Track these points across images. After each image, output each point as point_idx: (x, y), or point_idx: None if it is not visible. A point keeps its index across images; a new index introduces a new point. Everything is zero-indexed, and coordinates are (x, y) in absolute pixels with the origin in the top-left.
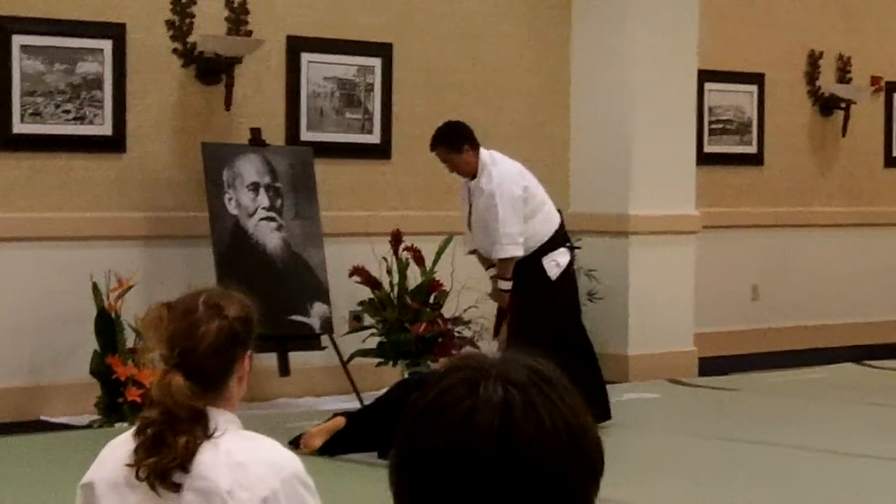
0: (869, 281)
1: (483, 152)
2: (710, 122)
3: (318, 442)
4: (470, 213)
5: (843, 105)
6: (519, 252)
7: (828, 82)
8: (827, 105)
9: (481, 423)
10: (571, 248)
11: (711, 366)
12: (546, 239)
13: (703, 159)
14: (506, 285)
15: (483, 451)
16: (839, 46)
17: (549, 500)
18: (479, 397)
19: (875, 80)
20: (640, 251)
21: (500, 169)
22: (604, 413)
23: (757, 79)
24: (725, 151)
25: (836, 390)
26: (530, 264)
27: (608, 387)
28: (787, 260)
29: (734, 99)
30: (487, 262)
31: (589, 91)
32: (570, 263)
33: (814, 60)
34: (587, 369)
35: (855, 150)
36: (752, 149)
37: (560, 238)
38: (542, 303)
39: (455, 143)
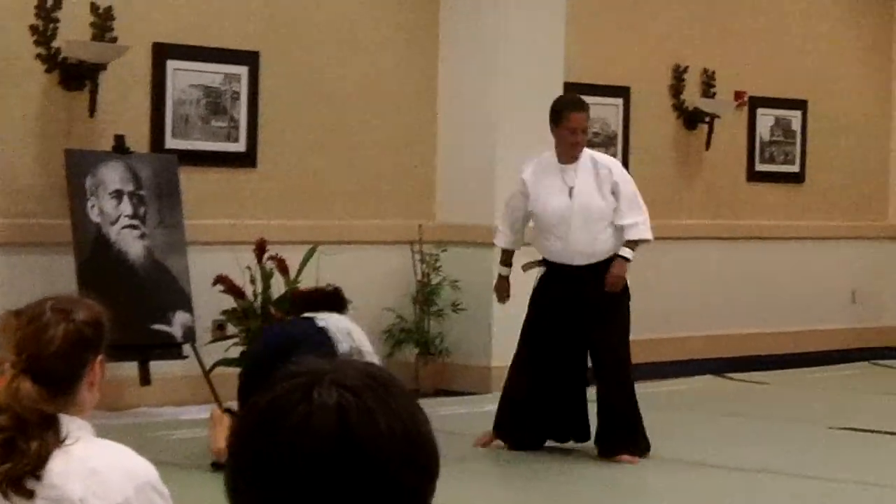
0: (730, 293)
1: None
2: None
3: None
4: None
5: (707, 119)
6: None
7: (692, 96)
8: (691, 119)
9: (317, 427)
10: None
11: None
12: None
13: None
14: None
15: (320, 455)
16: (704, 61)
17: (387, 503)
18: (314, 402)
19: (739, 95)
20: None
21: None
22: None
23: (622, 92)
24: None
25: (697, 402)
26: (604, 269)
27: (471, 398)
28: (650, 272)
29: (600, 112)
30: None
31: (456, 102)
32: None
33: (678, 74)
34: None
35: (718, 163)
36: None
37: None
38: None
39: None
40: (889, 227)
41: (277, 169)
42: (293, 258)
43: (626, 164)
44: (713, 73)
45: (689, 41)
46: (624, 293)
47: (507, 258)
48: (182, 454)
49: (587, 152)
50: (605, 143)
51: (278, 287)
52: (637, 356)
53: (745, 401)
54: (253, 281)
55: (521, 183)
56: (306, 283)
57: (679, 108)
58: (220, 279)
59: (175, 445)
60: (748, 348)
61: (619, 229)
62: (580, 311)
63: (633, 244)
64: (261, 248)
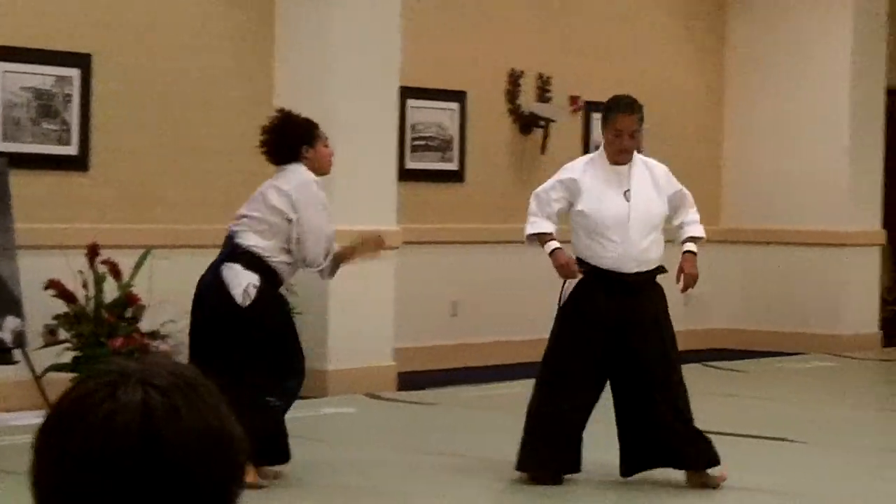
0: None
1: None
2: (413, 139)
3: None
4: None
5: (543, 123)
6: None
7: (528, 101)
8: (527, 123)
9: (121, 425)
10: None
11: (410, 380)
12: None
13: (405, 175)
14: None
15: (124, 454)
16: (539, 66)
17: (192, 502)
18: (119, 400)
19: (574, 100)
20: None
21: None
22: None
23: (459, 96)
24: (427, 168)
25: (524, 406)
26: (654, 277)
27: (307, 402)
28: (487, 276)
29: (436, 116)
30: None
31: (292, 106)
32: None
33: (514, 79)
34: None
35: (554, 168)
36: (454, 165)
37: None
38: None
39: (642, 118)
40: (721, 231)
41: (110, 172)
42: (126, 262)
43: (462, 167)
44: (549, 78)
45: (525, 46)
46: (665, 304)
47: (550, 237)
48: (11, 460)
49: (637, 156)
50: (441, 146)
51: (111, 291)
52: (474, 359)
53: None
54: (85, 285)
55: (571, 181)
56: (140, 287)
57: (515, 112)
58: (52, 283)
59: (5, 452)
60: None
61: (678, 227)
62: (632, 324)
63: (695, 240)
64: (93, 252)
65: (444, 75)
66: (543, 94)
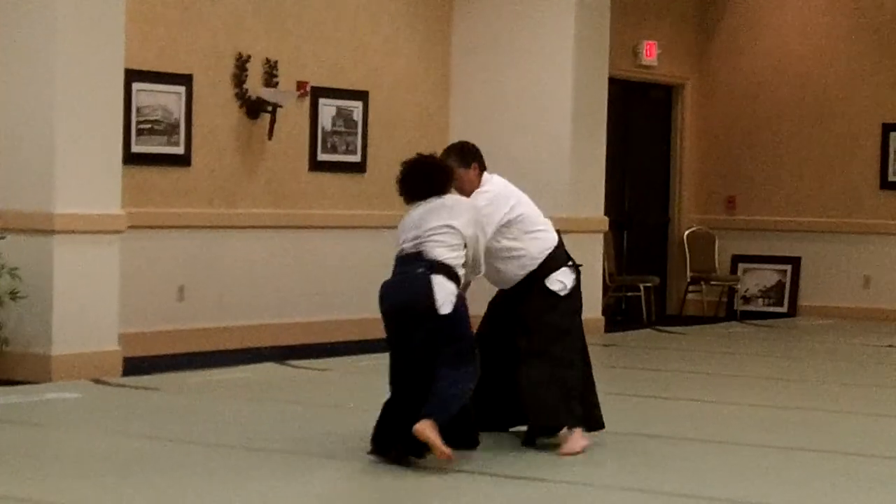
0: (291, 282)
1: (486, 175)
2: (138, 122)
3: None
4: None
5: (270, 108)
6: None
7: (255, 86)
8: (253, 108)
9: None
10: (575, 267)
11: (136, 366)
12: (541, 260)
13: (131, 159)
14: None
15: None
16: (266, 50)
17: None
18: None
19: (301, 85)
20: (65, 250)
21: (493, 184)
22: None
23: (185, 80)
24: (153, 151)
25: (258, 389)
26: (530, 286)
27: (32, 387)
28: (213, 261)
29: (162, 99)
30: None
31: (13, 87)
32: (577, 282)
33: (241, 63)
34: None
35: (281, 153)
36: (180, 149)
37: (560, 258)
38: (560, 315)
39: (464, 158)
40: None
41: None
42: None
43: (188, 151)
44: (276, 62)
45: (252, 30)
46: (551, 296)
47: None
48: None
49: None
50: (167, 131)
51: None
52: (201, 344)
53: (307, 388)
54: None
55: None
56: None
57: (241, 97)
58: None
59: None
60: (308, 336)
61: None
62: (507, 319)
63: None
64: None
65: (171, 58)
66: (270, 78)
